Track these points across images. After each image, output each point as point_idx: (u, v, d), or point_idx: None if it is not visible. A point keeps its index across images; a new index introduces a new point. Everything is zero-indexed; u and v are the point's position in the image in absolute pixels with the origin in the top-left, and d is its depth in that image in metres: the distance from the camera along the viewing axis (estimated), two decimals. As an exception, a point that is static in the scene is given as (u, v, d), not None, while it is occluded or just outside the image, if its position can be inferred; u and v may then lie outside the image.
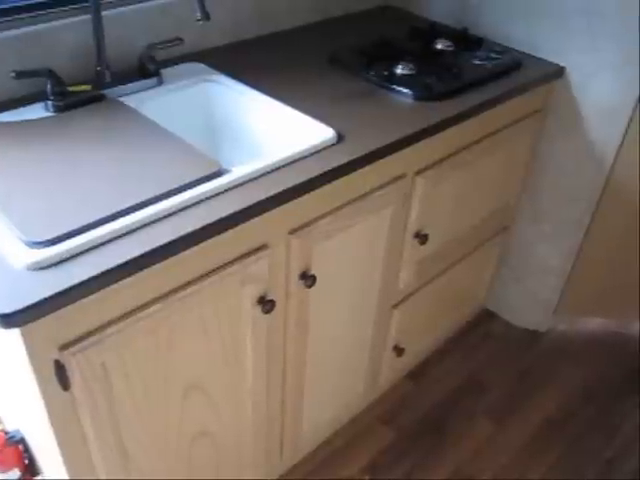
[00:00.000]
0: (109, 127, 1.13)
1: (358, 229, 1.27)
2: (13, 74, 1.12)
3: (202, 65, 1.41)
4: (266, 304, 1.12)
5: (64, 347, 0.86)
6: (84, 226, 0.87)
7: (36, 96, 1.21)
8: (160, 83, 1.31)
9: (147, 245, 0.87)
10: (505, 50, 1.61)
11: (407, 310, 1.62)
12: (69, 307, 0.82)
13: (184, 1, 1.40)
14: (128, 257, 0.85)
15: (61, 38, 1.24)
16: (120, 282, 0.87)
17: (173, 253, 0.91)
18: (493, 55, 1.55)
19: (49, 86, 1.16)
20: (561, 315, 2.06)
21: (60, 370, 0.87)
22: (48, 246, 0.84)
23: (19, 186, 0.95)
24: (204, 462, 1.26)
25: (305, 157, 1.11)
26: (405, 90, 1.35)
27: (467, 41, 1.61)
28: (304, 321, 1.28)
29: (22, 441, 1.30)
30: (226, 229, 0.97)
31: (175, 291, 0.97)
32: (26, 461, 1.29)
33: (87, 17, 1.25)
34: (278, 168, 1.07)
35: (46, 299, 0.78)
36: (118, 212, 0.90)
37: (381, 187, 1.27)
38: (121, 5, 1.32)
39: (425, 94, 1.34)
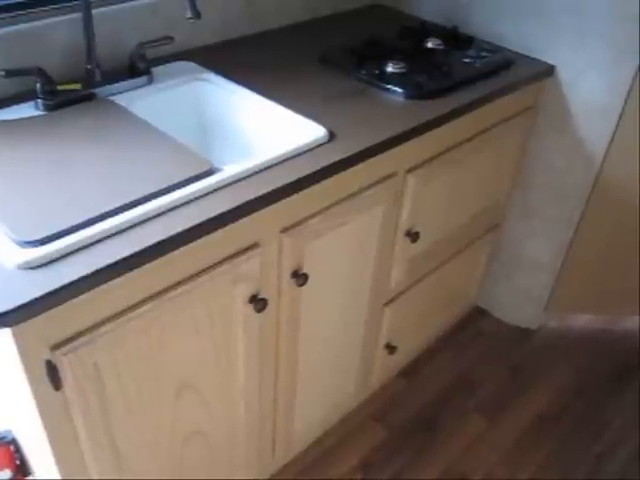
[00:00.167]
0: (99, 126, 1.12)
1: (350, 227, 1.28)
2: (2, 73, 1.11)
3: (193, 64, 1.40)
4: (258, 303, 1.12)
5: (56, 347, 0.86)
6: (74, 226, 0.87)
7: (26, 95, 1.20)
8: (150, 82, 1.31)
9: (137, 245, 0.87)
10: (496, 49, 1.61)
11: (398, 308, 1.63)
12: (60, 307, 0.82)
13: (174, 0, 1.40)
14: (118, 257, 0.85)
15: (51, 36, 1.24)
16: (110, 282, 0.86)
17: (163, 253, 0.91)
18: (483, 54, 1.55)
19: (39, 85, 1.16)
20: (552, 312, 2.08)
21: (52, 370, 0.86)
22: (38, 246, 0.83)
23: (9, 185, 0.95)
24: (196, 462, 1.26)
25: (296, 156, 1.11)
26: (396, 88, 1.35)
27: (457, 40, 1.62)
28: (296, 319, 1.28)
29: (13, 442, 1.29)
30: (217, 228, 0.97)
31: (166, 291, 0.97)
32: (17, 462, 1.28)
33: (77, 15, 1.25)
34: (269, 167, 1.07)
35: (37, 299, 0.77)
36: (108, 212, 0.90)
37: (372, 185, 1.27)
38: (111, 3, 1.31)
39: (416, 92, 1.35)
